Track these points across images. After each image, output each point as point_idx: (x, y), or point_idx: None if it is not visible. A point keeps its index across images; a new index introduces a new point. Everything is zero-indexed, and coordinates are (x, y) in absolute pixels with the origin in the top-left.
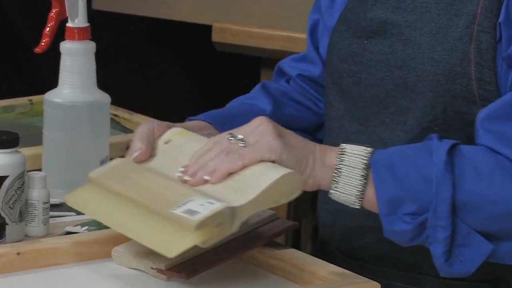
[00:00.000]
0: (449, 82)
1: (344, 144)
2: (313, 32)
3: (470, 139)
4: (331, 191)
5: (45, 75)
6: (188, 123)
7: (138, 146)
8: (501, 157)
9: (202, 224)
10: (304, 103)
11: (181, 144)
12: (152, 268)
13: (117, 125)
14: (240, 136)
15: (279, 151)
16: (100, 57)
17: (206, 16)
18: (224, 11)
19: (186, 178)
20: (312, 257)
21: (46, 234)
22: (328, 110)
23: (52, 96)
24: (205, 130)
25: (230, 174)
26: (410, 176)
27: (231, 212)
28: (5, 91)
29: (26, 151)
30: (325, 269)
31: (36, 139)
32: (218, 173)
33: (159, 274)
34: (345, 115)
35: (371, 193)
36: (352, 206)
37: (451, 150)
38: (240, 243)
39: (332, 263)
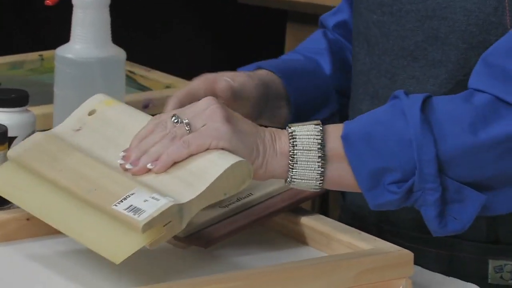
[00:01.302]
0: (483, 33)
1: (292, 127)
2: None
3: None
4: (288, 179)
5: (56, 29)
6: (256, 72)
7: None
8: (479, 98)
9: (149, 225)
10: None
11: (109, 117)
12: None
13: (133, 83)
14: (186, 120)
15: (228, 138)
16: (115, 10)
17: None
18: None
19: (128, 166)
20: (340, 224)
21: None
22: (354, 64)
23: (64, 51)
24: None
25: (175, 162)
26: (388, 143)
27: (178, 209)
28: (14, 46)
29: (36, 110)
30: (354, 236)
31: (46, 97)
32: (162, 161)
33: (176, 242)
34: (371, 69)
35: (334, 171)
36: (312, 189)
37: (424, 107)
38: (263, 210)
39: (363, 229)
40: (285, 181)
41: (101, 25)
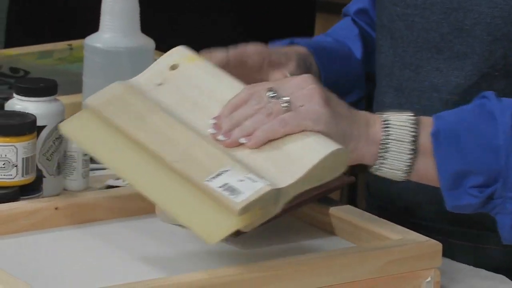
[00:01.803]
0: (509, 25)
1: (385, 114)
2: None
3: None
4: (375, 167)
5: (85, 18)
6: (292, 47)
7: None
8: None
9: (246, 209)
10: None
11: (192, 75)
12: None
13: None
14: (285, 98)
15: (325, 122)
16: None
17: None
18: None
19: (221, 138)
20: (369, 214)
21: (86, 188)
22: (377, 56)
23: (93, 40)
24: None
25: (269, 140)
26: (476, 147)
27: (276, 194)
28: (43, 35)
29: (65, 99)
30: (382, 227)
31: (75, 86)
32: (256, 137)
33: None
34: (395, 62)
35: (421, 165)
36: (397, 179)
37: None
38: (292, 200)
39: (387, 219)
40: (370, 167)
41: (130, 15)
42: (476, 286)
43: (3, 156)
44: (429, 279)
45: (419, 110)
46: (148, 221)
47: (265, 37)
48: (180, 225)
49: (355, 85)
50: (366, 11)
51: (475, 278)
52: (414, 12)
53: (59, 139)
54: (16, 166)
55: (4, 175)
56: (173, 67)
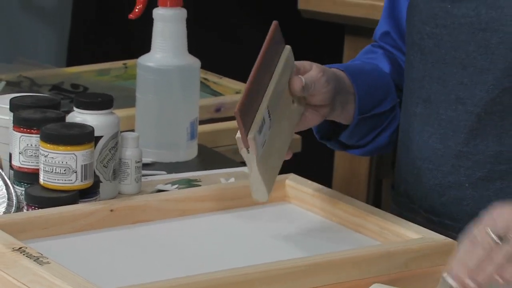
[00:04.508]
0: None
1: None
2: None
3: None
4: None
5: (138, 40)
6: (331, 69)
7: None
8: None
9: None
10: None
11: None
12: None
13: (206, 88)
14: None
15: None
16: (192, 23)
17: None
18: None
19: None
20: (392, 215)
21: (138, 192)
22: (408, 70)
23: (145, 60)
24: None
25: None
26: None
27: None
28: (101, 56)
29: (120, 112)
30: (404, 226)
31: (129, 101)
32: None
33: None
34: (425, 76)
35: None
36: None
37: None
38: None
39: (413, 220)
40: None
41: (178, 37)
42: None
43: (64, 163)
44: (445, 274)
45: (445, 120)
46: (195, 221)
47: (296, 59)
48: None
49: (387, 95)
50: (389, 34)
51: None
52: (443, 31)
53: (115, 148)
54: (75, 172)
55: (65, 180)
56: None
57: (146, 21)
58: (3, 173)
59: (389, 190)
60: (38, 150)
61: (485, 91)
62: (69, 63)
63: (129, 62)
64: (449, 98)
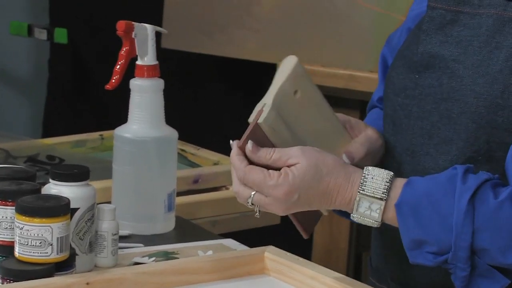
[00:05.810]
0: (491, 113)
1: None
2: (384, 64)
3: None
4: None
5: (115, 111)
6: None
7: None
8: None
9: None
10: None
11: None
12: None
13: (184, 160)
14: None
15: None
16: (168, 94)
17: (271, 54)
18: (288, 50)
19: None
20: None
21: (115, 265)
22: (385, 142)
23: (122, 131)
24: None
25: None
26: (432, 222)
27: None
28: (77, 127)
29: (96, 184)
30: None
31: (106, 172)
32: None
33: None
34: (396, 147)
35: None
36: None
37: (474, 196)
38: None
39: None
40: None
41: (156, 108)
42: None
43: (40, 235)
44: None
45: None
46: None
47: None
48: None
49: None
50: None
51: None
52: (412, 102)
53: (91, 220)
54: (51, 244)
55: (40, 252)
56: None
57: (123, 91)
58: None
59: (368, 263)
60: (13, 222)
61: (448, 162)
62: (45, 135)
63: (106, 133)
64: (417, 169)
